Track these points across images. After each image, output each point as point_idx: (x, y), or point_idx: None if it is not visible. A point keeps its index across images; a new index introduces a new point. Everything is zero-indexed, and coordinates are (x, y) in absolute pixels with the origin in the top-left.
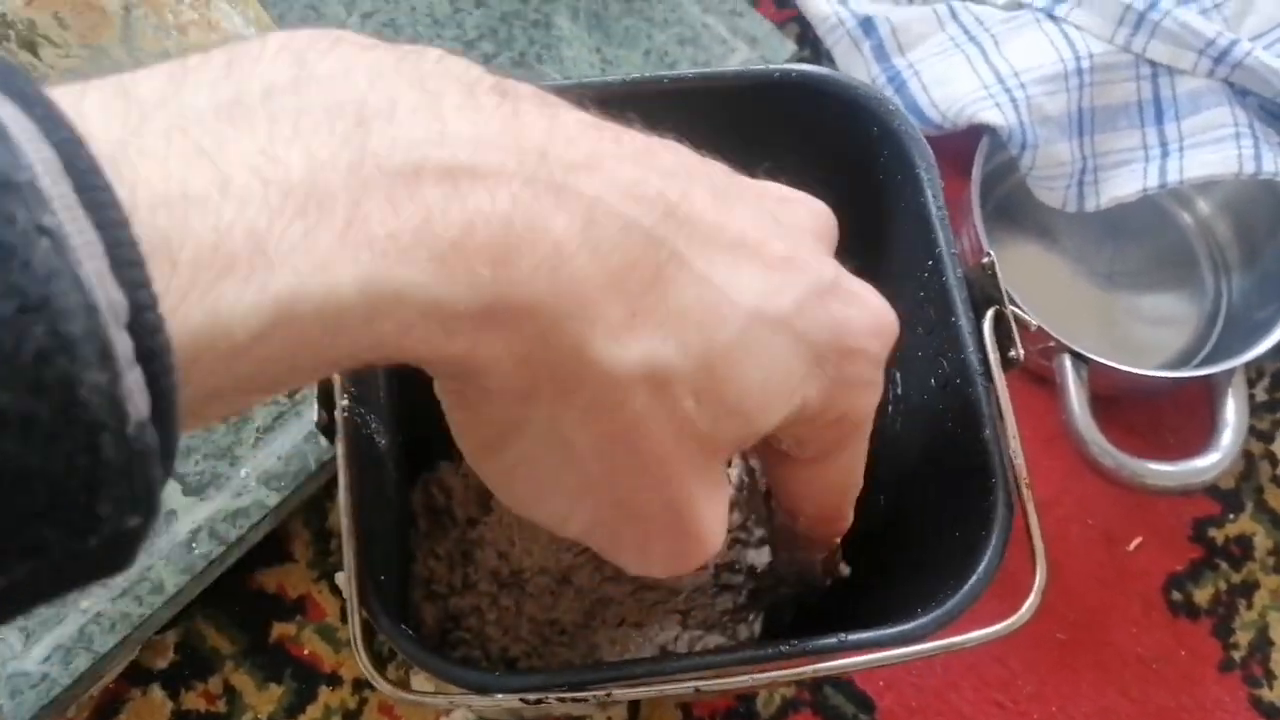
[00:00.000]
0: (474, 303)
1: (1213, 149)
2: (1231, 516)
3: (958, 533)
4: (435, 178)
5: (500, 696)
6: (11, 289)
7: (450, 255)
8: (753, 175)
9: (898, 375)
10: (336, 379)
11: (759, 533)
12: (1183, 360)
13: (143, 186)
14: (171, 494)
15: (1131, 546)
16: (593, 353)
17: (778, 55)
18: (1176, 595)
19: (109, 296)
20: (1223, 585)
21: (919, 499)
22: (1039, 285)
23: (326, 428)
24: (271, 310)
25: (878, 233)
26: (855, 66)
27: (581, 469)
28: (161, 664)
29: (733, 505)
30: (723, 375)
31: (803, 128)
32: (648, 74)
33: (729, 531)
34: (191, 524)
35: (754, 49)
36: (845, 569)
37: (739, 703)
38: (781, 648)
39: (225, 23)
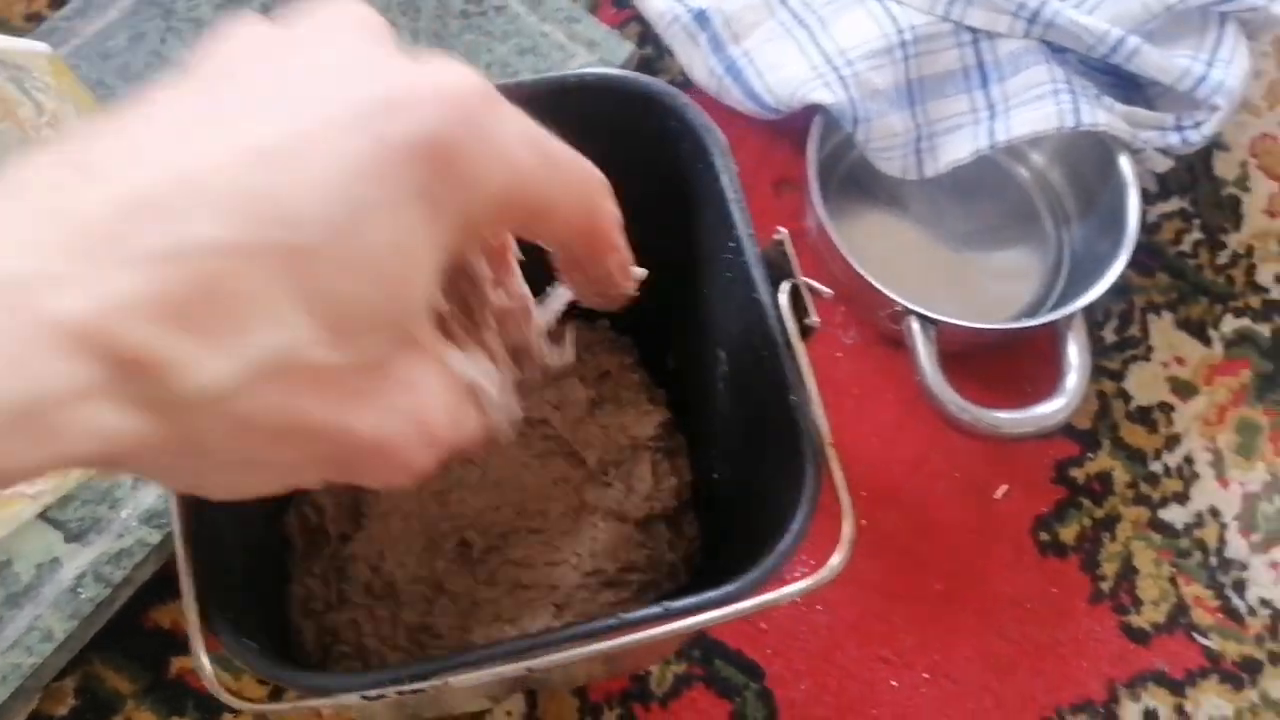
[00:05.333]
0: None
1: (1034, 106)
2: (1090, 455)
3: (779, 495)
4: None
5: (342, 696)
6: None
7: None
8: None
9: (722, 353)
10: None
11: (670, 557)
12: (1032, 311)
13: None
14: (54, 542)
15: (998, 494)
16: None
17: (616, 56)
18: (1044, 536)
19: None
20: (1087, 522)
21: (749, 466)
22: (891, 251)
23: None
24: None
25: (688, 221)
26: (694, 59)
27: (263, 455)
28: (62, 710)
29: (642, 523)
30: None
31: (612, 128)
32: None
33: (641, 545)
34: (75, 570)
35: (593, 52)
36: (639, 272)
37: (633, 683)
38: (609, 622)
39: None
